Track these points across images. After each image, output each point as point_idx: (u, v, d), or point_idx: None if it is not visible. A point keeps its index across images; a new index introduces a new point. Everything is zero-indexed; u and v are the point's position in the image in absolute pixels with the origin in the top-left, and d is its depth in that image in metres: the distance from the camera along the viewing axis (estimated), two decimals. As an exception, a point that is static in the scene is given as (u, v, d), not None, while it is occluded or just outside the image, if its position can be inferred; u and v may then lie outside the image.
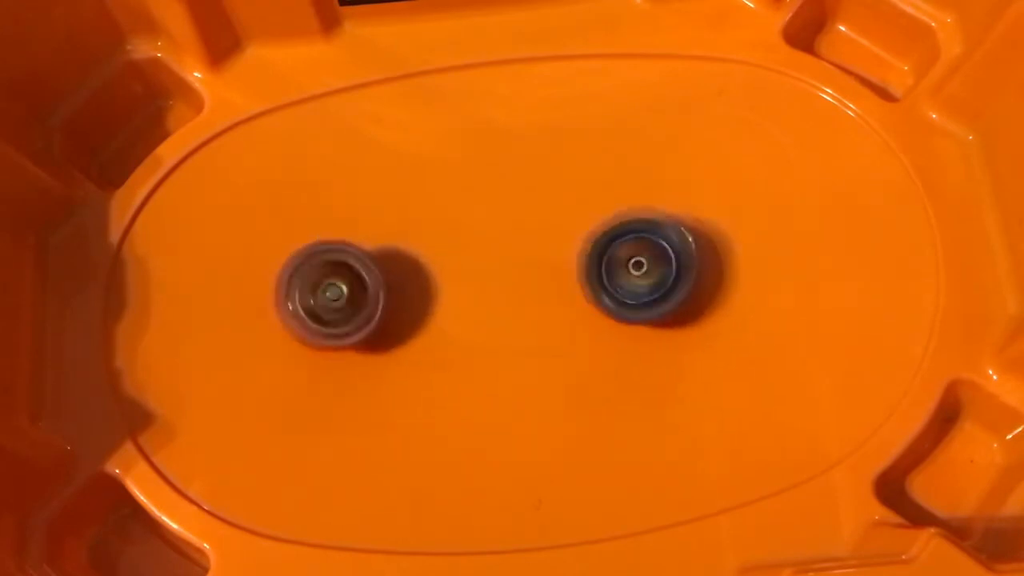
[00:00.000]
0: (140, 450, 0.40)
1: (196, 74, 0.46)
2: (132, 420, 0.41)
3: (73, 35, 0.44)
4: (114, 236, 0.43)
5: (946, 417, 0.41)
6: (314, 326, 0.41)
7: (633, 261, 0.41)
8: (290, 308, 0.41)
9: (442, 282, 0.43)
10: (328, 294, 0.41)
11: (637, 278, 0.41)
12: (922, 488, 0.41)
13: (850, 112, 0.45)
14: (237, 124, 0.45)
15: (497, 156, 0.45)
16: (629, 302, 0.41)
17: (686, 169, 0.44)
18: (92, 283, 0.43)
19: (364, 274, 0.41)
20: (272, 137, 0.45)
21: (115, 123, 0.46)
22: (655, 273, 0.41)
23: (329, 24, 0.46)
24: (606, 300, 0.41)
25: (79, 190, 0.44)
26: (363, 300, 0.41)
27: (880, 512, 0.39)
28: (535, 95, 0.46)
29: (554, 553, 0.39)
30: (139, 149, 0.45)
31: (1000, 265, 0.42)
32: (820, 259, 0.43)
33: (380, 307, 0.41)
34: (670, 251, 0.41)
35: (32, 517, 0.39)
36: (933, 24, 0.44)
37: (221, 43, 0.45)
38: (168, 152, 0.45)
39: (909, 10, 0.45)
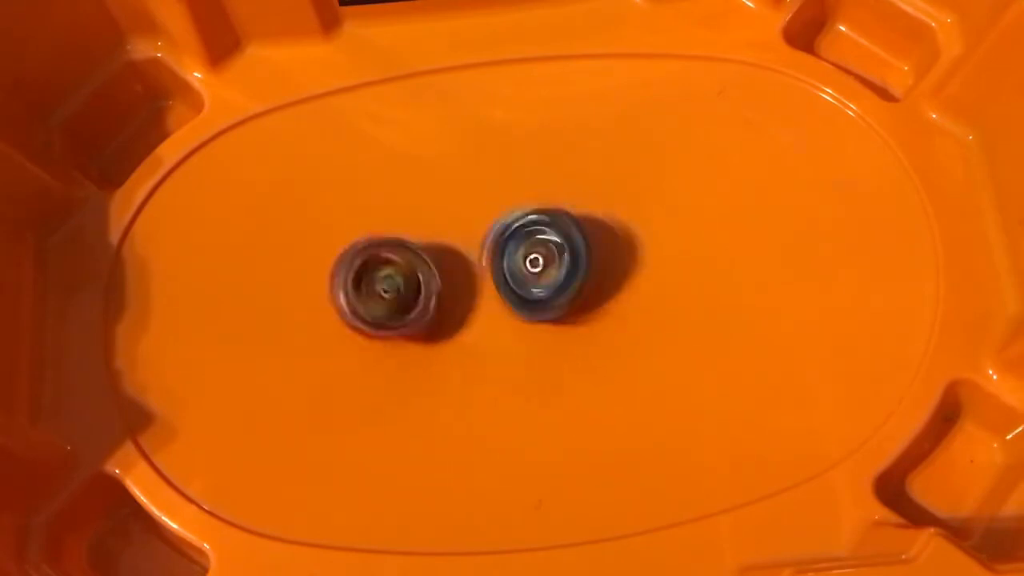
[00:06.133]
0: (140, 450, 0.40)
1: (196, 74, 0.46)
2: (132, 420, 0.41)
3: (73, 35, 0.44)
4: (114, 236, 0.43)
5: (946, 417, 0.41)
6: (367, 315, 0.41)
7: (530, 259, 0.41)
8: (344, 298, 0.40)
9: (440, 281, 0.43)
10: (384, 286, 0.41)
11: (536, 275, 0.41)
12: (922, 488, 0.41)
13: (850, 112, 0.45)
14: (237, 124, 0.45)
15: (497, 156, 0.45)
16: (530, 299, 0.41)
17: (687, 168, 0.44)
18: (92, 283, 0.43)
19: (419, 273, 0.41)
20: (272, 137, 0.45)
21: (115, 123, 0.47)
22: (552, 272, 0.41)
23: (329, 24, 0.46)
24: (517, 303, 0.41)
25: (79, 190, 0.44)
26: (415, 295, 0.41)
27: (880, 512, 0.39)
28: (535, 95, 0.46)
29: (554, 553, 0.39)
30: (139, 149, 0.45)
31: (1000, 265, 0.42)
32: (820, 259, 0.43)
33: (433, 303, 0.41)
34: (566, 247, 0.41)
35: (32, 517, 0.39)
36: (933, 24, 0.44)
37: (221, 43, 0.45)
38: (168, 152, 0.45)
39: (909, 10, 0.45)
